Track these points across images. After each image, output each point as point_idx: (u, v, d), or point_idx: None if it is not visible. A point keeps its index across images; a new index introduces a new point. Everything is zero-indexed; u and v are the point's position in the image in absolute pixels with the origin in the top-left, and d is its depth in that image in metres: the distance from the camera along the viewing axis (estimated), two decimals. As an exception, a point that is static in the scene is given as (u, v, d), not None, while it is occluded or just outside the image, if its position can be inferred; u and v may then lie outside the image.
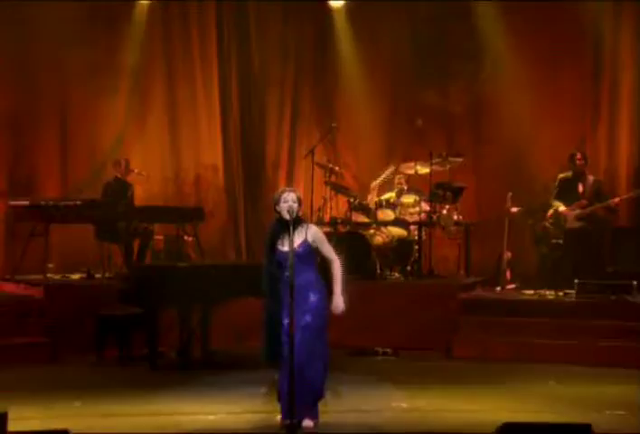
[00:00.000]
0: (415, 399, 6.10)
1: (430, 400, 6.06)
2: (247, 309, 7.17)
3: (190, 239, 9.33)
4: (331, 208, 9.50)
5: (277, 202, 4.87)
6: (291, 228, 4.74)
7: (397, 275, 9.18)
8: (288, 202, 4.84)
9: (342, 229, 9.30)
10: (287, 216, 4.78)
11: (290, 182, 10.60)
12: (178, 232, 9.23)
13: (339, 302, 4.78)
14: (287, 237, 4.73)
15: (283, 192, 4.89)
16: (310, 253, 4.86)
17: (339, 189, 9.54)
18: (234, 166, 10.56)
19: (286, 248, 4.73)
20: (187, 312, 7.62)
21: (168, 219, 9.23)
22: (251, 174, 10.67)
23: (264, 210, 10.03)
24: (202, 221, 9.35)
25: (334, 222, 9.34)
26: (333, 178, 9.52)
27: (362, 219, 9.32)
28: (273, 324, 4.74)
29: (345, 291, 4.79)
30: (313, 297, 4.78)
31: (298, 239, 4.83)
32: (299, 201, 4.89)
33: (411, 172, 9.49)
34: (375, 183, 9.33)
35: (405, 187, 9.52)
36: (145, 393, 6.24)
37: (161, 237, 9.43)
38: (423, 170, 9.33)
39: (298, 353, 4.64)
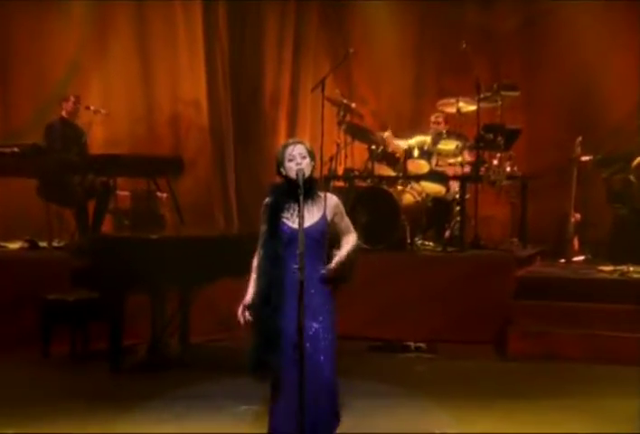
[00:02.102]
0: (467, 422, 5.50)
1: (489, 425, 5.45)
2: (237, 291, 6.83)
3: (164, 196, 8.99)
4: (346, 157, 9.16)
5: (281, 162, 4.35)
6: (300, 199, 4.17)
7: (432, 245, 8.84)
8: (295, 158, 4.29)
9: (360, 184, 8.98)
10: (298, 176, 4.27)
11: (293, 123, 10.40)
12: (149, 188, 8.90)
13: (332, 263, 4.29)
14: (296, 207, 4.26)
15: (286, 146, 4.38)
16: (325, 235, 4.35)
17: (357, 132, 9.14)
18: (221, 102, 10.25)
19: (296, 224, 4.22)
20: (161, 296, 7.40)
21: (136, 170, 8.86)
22: (244, 112, 10.41)
23: (260, 157, 10.06)
24: (180, 173, 9.05)
25: (349, 176, 9.01)
26: (348, 118, 9.19)
27: (387, 171, 8.94)
28: (267, 324, 4.24)
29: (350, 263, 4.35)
30: (321, 297, 4.31)
31: (313, 214, 4.31)
32: (310, 154, 4.35)
33: (452, 110, 9.08)
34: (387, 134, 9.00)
35: (443, 130, 9.04)
36: (102, 412, 5.76)
37: (126, 194, 9.06)
38: (468, 107, 8.94)
39: (310, 373, 4.15)
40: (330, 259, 4.36)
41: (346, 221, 4.43)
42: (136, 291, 6.99)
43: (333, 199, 4.39)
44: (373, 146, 8.91)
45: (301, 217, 4.14)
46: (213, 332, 7.86)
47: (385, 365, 7.21)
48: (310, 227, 4.22)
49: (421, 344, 7.64)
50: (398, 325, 7.85)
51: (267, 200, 4.34)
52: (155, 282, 6.97)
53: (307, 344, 4.18)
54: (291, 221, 4.27)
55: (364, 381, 6.28)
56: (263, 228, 4.31)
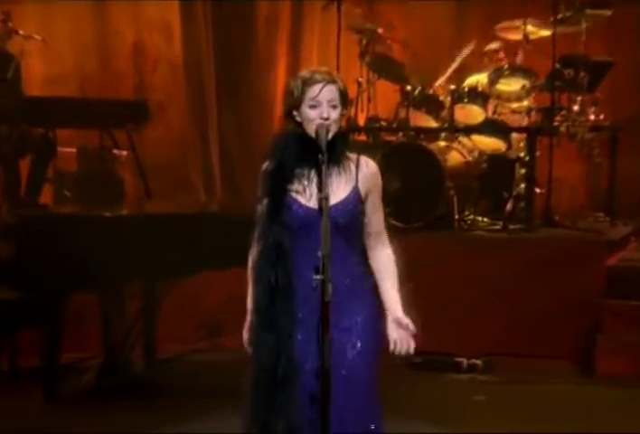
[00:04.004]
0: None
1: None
2: (221, 288, 7.31)
3: (124, 155, 8.62)
4: (370, 101, 8.95)
5: (297, 101, 3.83)
6: (324, 169, 3.69)
7: (487, 221, 8.61)
8: (321, 106, 3.75)
9: (389, 138, 8.91)
10: (320, 134, 3.78)
11: (296, 54, 10.18)
12: (102, 144, 8.48)
13: (402, 322, 3.84)
14: (314, 175, 3.85)
15: (308, 82, 3.81)
16: (358, 219, 3.92)
17: (386, 67, 8.98)
18: (199, 27, 9.98)
19: (312, 201, 3.82)
20: (118, 295, 7.37)
21: (84, 119, 8.48)
22: (229, 39, 10.12)
23: (251, 101, 9.93)
24: (144, 124, 8.67)
25: (374, 127, 8.87)
26: (372, 47, 9.02)
27: (427, 121, 8.79)
28: (270, 363, 3.83)
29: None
30: (358, 310, 3.91)
31: (339, 186, 3.85)
32: (344, 99, 3.82)
33: (516, 37, 8.87)
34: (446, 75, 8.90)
35: (504, 65, 8.81)
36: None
37: (72, 151, 8.65)
38: (539, 33, 8.76)
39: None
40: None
41: (378, 211, 3.95)
42: (83, 288, 6.79)
43: (370, 166, 3.88)
44: (408, 87, 8.65)
45: (325, 199, 3.59)
46: (191, 340, 7.80)
47: (430, 392, 6.91)
48: (335, 207, 3.74)
49: (477, 362, 7.41)
50: (444, 333, 7.55)
51: (267, 163, 3.89)
52: (109, 276, 6.76)
53: (336, 392, 3.67)
54: (304, 197, 3.82)
55: (403, 418, 5.88)
56: (261, 207, 3.89)
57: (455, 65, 8.91)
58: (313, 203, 3.78)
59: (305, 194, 3.81)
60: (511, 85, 8.66)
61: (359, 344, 3.85)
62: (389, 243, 3.95)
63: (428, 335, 7.22)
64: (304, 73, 3.86)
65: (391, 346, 3.79)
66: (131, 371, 7.27)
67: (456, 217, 8.31)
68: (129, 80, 9.85)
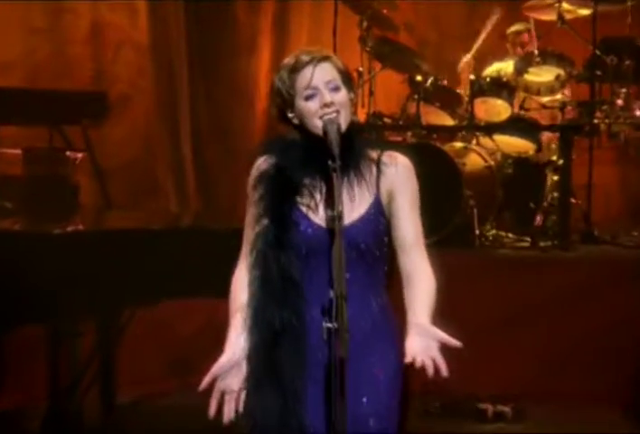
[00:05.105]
0: None
1: None
2: (194, 316, 7.51)
3: (78, 157, 8.20)
4: (372, 94, 8.90)
5: (288, 96, 3.56)
6: (335, 177, 3.39)
7: (512, 237, 8.58)
8: (320, 93, 3.46)
9: (395, 138, 8.78)
10: (329, 132, 3.46)
11: (282, 37, 10.05)
12: (52, 143, 8.27)
13: (428, 330, 3.45)
14: (323, 185, 3.58)
15: (296, 68, 3.56)
16: (383, 237, 3.60)
17: (392, 53, 8.89)
18: (168, 3, 9.93)
19: (320, 218, 3.57)
20: (68, 329, 7.07)
21: (32, 114, 8.35)
22: (204, 19, 10.04)
23: (230, 92, 9.82)
24: (103, 119, 8.62)
25: (377, 125, 8.72)
26: (374, 30, 8.99)
27: (441, 118, 8.76)
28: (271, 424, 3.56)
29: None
30: (380, 362, 3.63)
31: (358, 197, 3.58)
32: (346, 79, 3.54)
33: (549, 17, 8.79)
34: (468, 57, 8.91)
35: (535, 50, 8.66)
36: None
37: (16, 152, 8.32)
38: (577, 12, 8.72)
39: None
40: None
41: (409, 218, 3.58)
42: (26, 320, 6.16)
43: (395, 162, 3.57)
44: (419, 77, 8.57)
45: (337, 219, 3.28)
46: (156, 380, 7.67)
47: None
48: (355, 225, 3.48)
49: (504, 409, 7.11)
50: (464, 372, 7.12)
51: (259, 162, 3.60)
52: (58, 305, 6.11)
53: None
54: (314, 213, 3.54)
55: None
56: (252, 224, 3.60)
57: (481, 38, 8.81)
58: (322, 220, 3.52)
59: (318, 210, 3.51)
60: (542, 75, 8.60)
61: (380, 412, 3.52)
62: (427, 263, 3.58)
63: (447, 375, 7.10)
64: (287, 60, 3.59)
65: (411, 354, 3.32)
66: (84, 418, 6.97)
67: (477, 232, 8.28)
68: (86, 68, 9.68)
